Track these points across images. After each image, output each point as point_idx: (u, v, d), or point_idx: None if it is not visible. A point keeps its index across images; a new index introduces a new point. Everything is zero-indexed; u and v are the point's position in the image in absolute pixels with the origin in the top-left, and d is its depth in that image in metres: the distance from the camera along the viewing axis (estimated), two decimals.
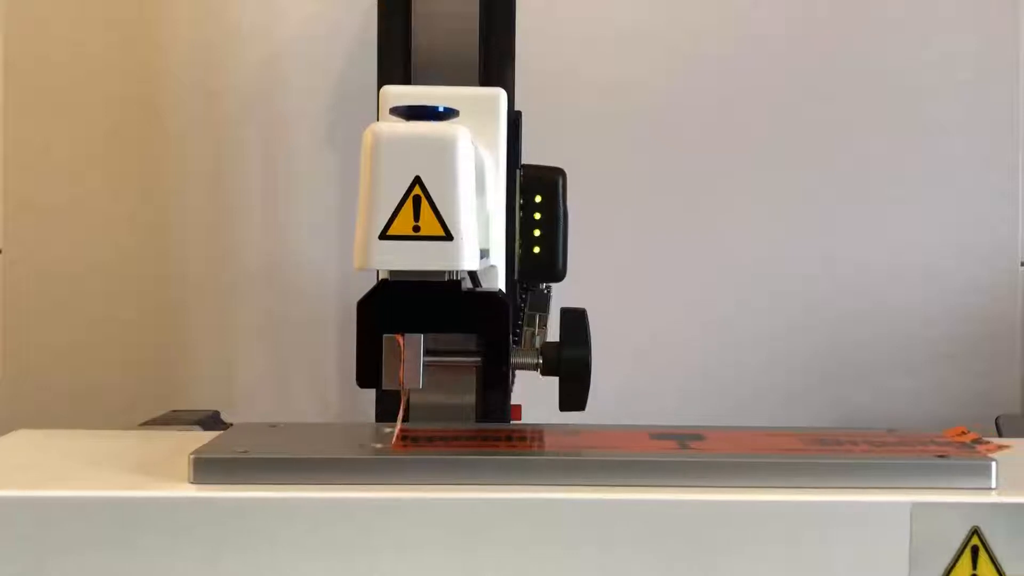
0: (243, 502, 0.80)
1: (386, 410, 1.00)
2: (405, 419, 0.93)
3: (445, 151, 0.84)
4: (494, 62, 1.11)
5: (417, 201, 0.84)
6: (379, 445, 0.88)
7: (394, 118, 0.86)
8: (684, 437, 0.92)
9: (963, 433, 0.93)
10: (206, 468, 0.83)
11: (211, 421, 1.15)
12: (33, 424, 1.11)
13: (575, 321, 1.03)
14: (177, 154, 1.44)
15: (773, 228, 1.47)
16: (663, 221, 1.47)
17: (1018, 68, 1.48)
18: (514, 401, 1.10)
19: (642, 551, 0.81)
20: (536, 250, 1.12)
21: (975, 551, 0.81)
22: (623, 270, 1.45)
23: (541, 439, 0.93)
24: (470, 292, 0.91)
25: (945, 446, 0.90)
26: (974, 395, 1.49)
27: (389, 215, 0.84)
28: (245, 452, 0.84)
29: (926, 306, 1.49)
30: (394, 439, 0.88)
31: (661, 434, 0.94)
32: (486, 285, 0.97)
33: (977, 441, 0.91)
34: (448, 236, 0.84)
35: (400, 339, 0.87)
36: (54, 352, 1.44)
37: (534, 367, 1.01)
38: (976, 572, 0.81)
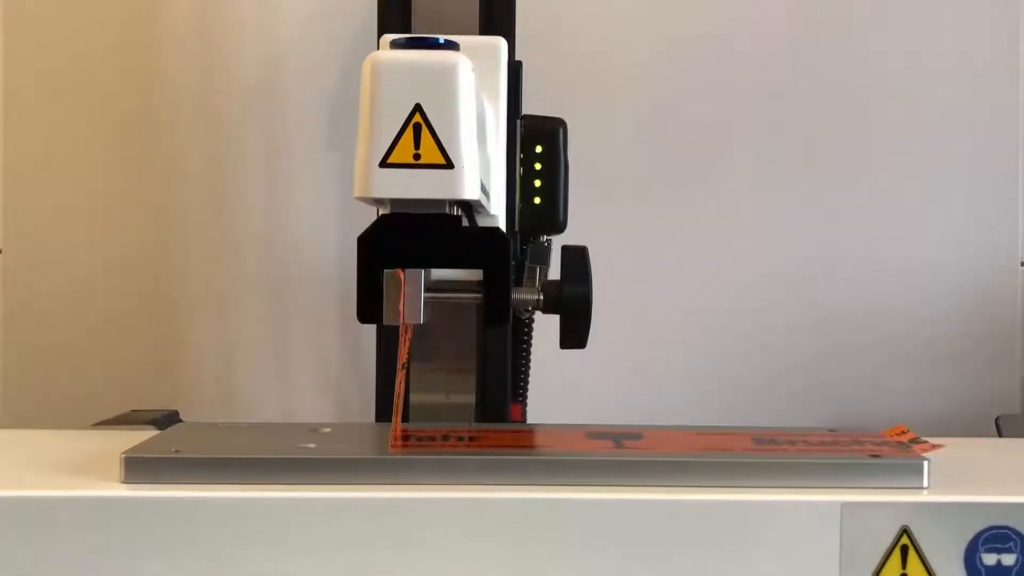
0: (171, 502, 0.81)
1: (386, 409, 1.00)
2: (405, 419, 0.96)
3: (445, 78, 0.84)
4: (495, 14, 1.11)
5: (417, 129, 0.84)
6: (312, 445, 0.88)
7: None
8: (621, 436, 0.93)
9: (902, 432, 0.93)
10: (137, 468, 0.83)
11: (168, 421, 1.15)
12: (33, 424, 1.14)
13: (576, 258, 1.03)
14: (177, 153, 1.45)
15: (771, 227, 1.47)
16: (659, 220, 1.47)
17: (1018, 68, 1.48)
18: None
19: (570, 551, 0.82)
20: (537, 201, 1.13)
21: (904, 550, 0.82)
22: (621, 269, 1.43)
23: (478, 438, 0.94)
24: (470, 227, 0.92)
25: (881, 446, 0.90)
26: (974, 395, 1.48)
27: (389, 143, 0.84)
28: (177, 452, 0.85)
29: (926, 306, 1.49)
30: (392, 439, 0.89)
31: (598, 433, 0.95)
32: None
33: (914, 440, 0.91)
34: (449, 164, 0.85)
35: (401, 274, 0.88)
36: (54, 352, 1.44)
37: (535, 303, 1.02)
38: (906, 571, 0.82)
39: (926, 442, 0.91)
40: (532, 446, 0.92)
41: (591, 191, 1.32)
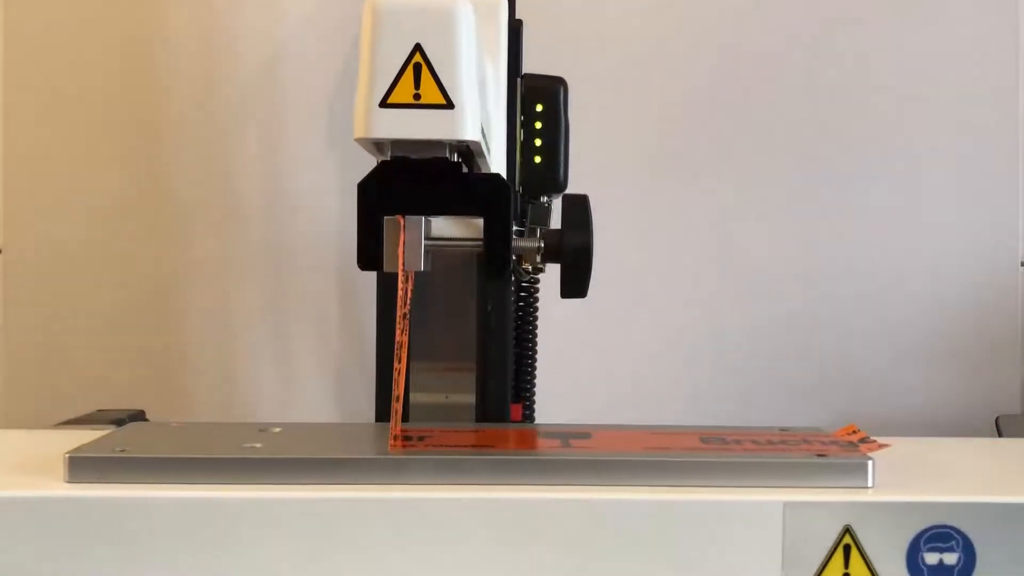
0: (113, 501, 0.81)
1: (385, 409, 0.99)
2: (405, 419, 0.96)
3: (446, 19, 0.84)
4: None
5: (417, 69, 0.85)
6: (258, 445, 0.88)
7: None
8: (569, 436, 0.93)
9: (853, 432, 0.93)
10: (80, 467, 0.83)
11: (133, 420, 1.15)
12: (33, 424, 1.16)
13: (577, 207, 1.02)
14: (177, 153, 1.45)
15: (772, 228, 1.48)
16: (662, 222, 1.48)
17: (1018, 68, 1.48)
18: None
19: (516, 550, 0.82)
20: (537, 160, 1.12)
21: (847, 549, 0.82)
22: (622, 269, 1.46)
23: (426, 437, 0.95)
24: (471, 173, 0.92)
25: (828, 445, 0.91)
26: (974, 395, 1.49)
27: (389, 84, 0.84)
28: (123, 451, 0.85)
29: (926, 306, 1.49)
30: (391, 439, 0.89)
31: (549, 432, 0.96)
32: None
33: (864, 440, 0.91)
34: (449, 104, 0.85)
35: (401, 220, 0.88)
36: (54, 351, 1.45)
37: (536, 251, 1.01)
38: (848, 570, 0.82)
39: (874, 441, 0.91)
40: (480, 446, 0.93)
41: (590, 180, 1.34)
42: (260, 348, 1.47)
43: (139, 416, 1.20)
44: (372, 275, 1.08)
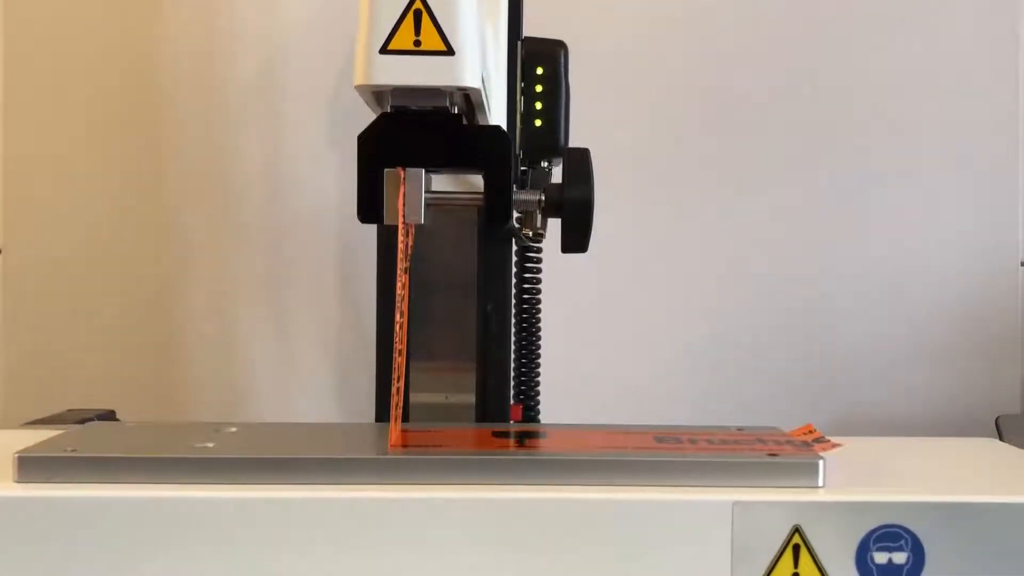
0: (62, 501, 0.81)
1: (385, 408, 1.00)
2: (405, 419, 0.96)
3: None
4: None
5: (418, 15, 0.85)
6: (210, 444, 0.88)
7: None
8: (524, 435, 0.94)
9: (809, 432, 0.94)
10: (29, 467, 0.83)
11: (103, 420, 1.16)
12: None
13: (578, 161, 1.02)
14: (177, 153, 1.45)
15: (772, 228, 1.48)
16: (661, 219, 1.49)
17: (1018, 68, 1.48)
18: None
19: (463, 550, 0.82)
20: (537, 123, 1.12)
21: (796, 549, 0.82)
22: (621, 269, 1.47)
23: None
24: (471, 125, 0.92)
25: (782, 445, 0.91)
26: (974, 395, 1.48)
27: (389, 30, 0.85)
28: (73, 451, 0.85)
29: (926, 306, 1.49)
30: (391, 439, 0.89)
31: (502, 432, 0.96)
32: None
33: (819, 440, 0.92)
34: (449, 51, 0.85)
35: (401, 172, 0.89)
36: (54, 351, 1.45)
37: (536, 204, 1.01)
38: (798, 570, 0.82)
39: (828, 441, 0.91)
40: (439, 446, 0.92)
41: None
42: (261, 348, 1.48)
43: (108, 416, 1.20)
44: (372, 275, 1.10)
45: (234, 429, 0.96)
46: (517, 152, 1.09)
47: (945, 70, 1.48)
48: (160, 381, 1.47)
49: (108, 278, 1.46)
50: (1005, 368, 1.49)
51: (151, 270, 1.47)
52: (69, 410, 1.24)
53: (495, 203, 0.93)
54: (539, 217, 1.03)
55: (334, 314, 1.48)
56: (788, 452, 0.88)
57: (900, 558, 0.83)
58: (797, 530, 0.83)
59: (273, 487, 0.83)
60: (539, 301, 1.18)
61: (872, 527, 0.83)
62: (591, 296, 1.47)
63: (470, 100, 0.92)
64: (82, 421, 1.13)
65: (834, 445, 0.91)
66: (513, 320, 1.15)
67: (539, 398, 1.20)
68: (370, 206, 0.90)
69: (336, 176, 1.46)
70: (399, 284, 0.88)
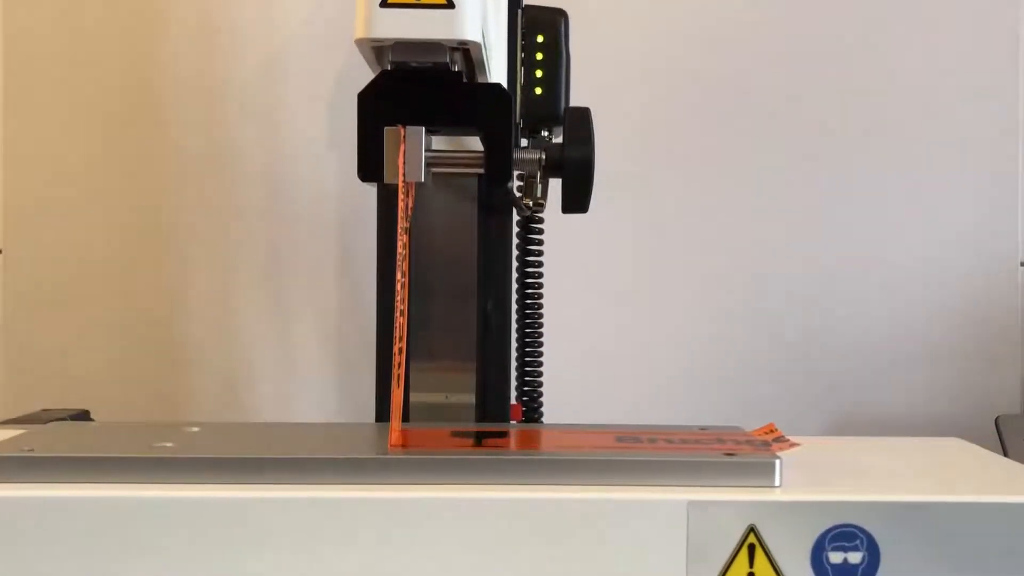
0: (13, 501, 0.81)
1: (385, 408, 1.01)
2: (405, 419, 0.96)
3: None
4: None
5: None
6: (169, 444, 0.88)
7: None
8: (485, 435, 0.95)
9: (771, 431, 0.94)
10: None
11: (73, 420, 1.15)
12: None
13: (579, 120, 1.01)
14: (177, 153, 1.46)
15: (771, 227, 1.48)
16: (659, 218, 1.49)
17: (1018, 68, 1.47)
18: None
19: (412, 549, 0.83)
20: (538, 91, 1.11)
21: (752, 549, 0.83)
22: (621, 269, 1.48)
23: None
24: (472, 83, 0.92)
25: (741, 444, 0.91)
26: (974, 395, 1.48)
27: None
28: (31, 451, 0.85)
29: (926, 306, 1.49)
30: (391, 439, 0.89)
31: (462, 432, 0.96)
32: None
33: (778, 439, 0.92)
34: (449, 4, 0.86)
35: (402, 130, 0.89)
36: (54, 351, 1.46)
37: (536, 163, 1.01)
38: (753, 570, 0.82)
39: (787, 441, 0.91)
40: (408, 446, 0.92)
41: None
42: (261, 348, 1.48)
43: (82, 416, 1.19)
44: (372, 276, 1.11)
45: (196, 429, 0.96)
46: (517, 121, 1.09)
47: (945, 70, 1.48)
48: (160, 381, 1.47)
49: (108, 278, 1.46)
50: (1005, 368, 1.49)
51: (151, 270, 1.47)
52: (44, 410, 1.24)
53: (495, 161, 0.93)
54: (539, 187, 1.03)
55: (334, 314, 1.48)
56: (745, 452, 0.88)
57: (855, 558, 0.83)
58: (752, 530, 0.83)
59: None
60: (541, 286, 1.18)
61: (827, 527, 0.83)
62: (592, 297, 1.47)
63: (470, 59, 0.92)
64: (55, 420, 1.13)
65: (792, 445, 0.90)
66: (515, 310, 1.16)
67: (541, 391, 1.20)
68: (370, 164, 0.91)
69: (336, 175, 1.47)
70: (400, 244, 0.88)
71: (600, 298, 1.47)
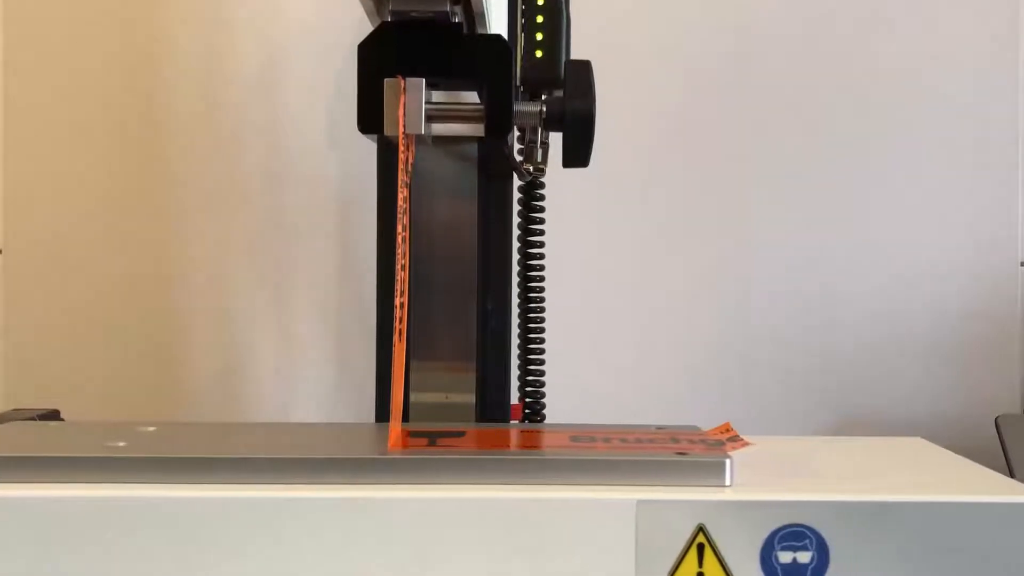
0: None
1: (384, 408, 1.00)
2: (405, 419, 0.96)
3: None
4: None
5: None
6: (121, 444, 0.88)
7: None
8: (440, 435, 0.94)
9: (726, 431, 0.94)
10: None
11: (46, 420, 1.16)
12: None
13: (580, 73, 1.00)
14: (178, 153, 1.46)
15: (771, 228, 1.49)
16: (660, 218, 1.49)
17: (1018, 67, 1.47)
18: None
19: (361, 549, 0.83)
20: (538, 54, 1.10)
21: (701, 548, 0.83)
22: (621, 270, 1.48)
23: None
24: (472, 34, 0.92)
25: (695, 444, 0.91)
26: (974, 395, 1.48)
27: None
28: None
29: (926, 306, 1.49)
30: (391, 439, 0.89)
31: (418, 432, 0.96)
32: None
33: (733, 439, 0.92)
34: None
35: (402, 81, 0.89)
36: (54, 351, 1.46)
37: (537, 115, 1.00)
38: (702, 569, 0.83)
39: (740, 440, 0.91)
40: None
41: (587, 190, 1.38)
42: (261, 347, 1.49)
43: (52, 415, 1.19)
44: (372, 277, 1.11)
45: (153, 428, 0.96)
46: (518, 84, 1.08)
47: (945, 70, 1.48)
48: (160, 380, 1.48)
49: (108, 278, 1.47)
50: (1005, 368, 1.48)
51: (151, 270, 1.47)
52: (15, 409, 1.24)
53: (496, 112, 0.93)
54: (539, 151, 1.03)
55: (335, 314, 1.49)
56: (697, 451, 0.88)
57: (804, 557, 0.83)
58: (701, 529, 0.83)
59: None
60: (543, 280, 1.17)
61: (776, 526, 0.83)
62: (591, 297, 1.48)
63: (470, 10, 0.92)
64: (26, 420, 1.14)
65: (745, 444, 0.91)
66: (517, 304, 1.16)
67: (543, 386, 1.20)
68: (370, 116, 0.91)
69: (336, 175, 1.48)
70: (400, 197, 0.89)
71: (600, 298, 1.47)
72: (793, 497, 0.84)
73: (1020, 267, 1.46)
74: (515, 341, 1.15)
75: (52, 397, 1.39)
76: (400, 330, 0.89)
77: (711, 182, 1.48)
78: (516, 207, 1.13)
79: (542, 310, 1.17)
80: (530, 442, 0.93)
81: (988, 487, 0.89)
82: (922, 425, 1.45)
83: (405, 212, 0.89)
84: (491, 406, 1.11)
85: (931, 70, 1.48)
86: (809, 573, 0.84)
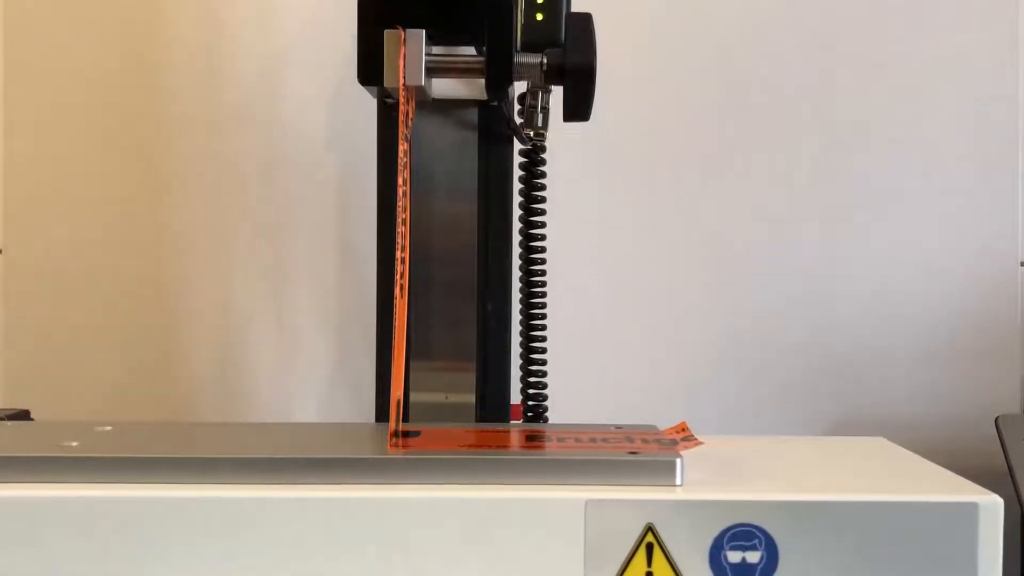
0: None
1: (384, 407, 1.02)
2: (405, 419, 0.96)
3: None
4: None
5: None
6: (75, 443, 0.89)
7: None
8: (395, 434, 0.93)
9: (682, 430, 0.94)
10: None
11: (12, 420, 1.15)
12: None
13: (581, 26, 1.00)
14: (177, 153, 1.46)
15: (771, 228, 1.49)
16: (660, 218, 1.49)
17: (1018, 67, 1.47)
18: None
19: (310, 548, 0.84)
20: (539, 17, 1.08)
21: (650, 548, 0.83)
22: (621, 269, 1.48)
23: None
24: None
25: (649, 443, 0.91)
26: (974, 395, 1.48)
27: None
28: None
29: (926, 306, 1.49)
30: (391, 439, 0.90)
31: (378, 432, 0.96)
32: None
33: (687, 438, 0.92)
34: None
35: (402, 32, 0.89)
36: (54, 350, 1.46)
37: (538, 67, 0.99)
38: (651, 569, 0.83)
39: (694, 439, 0.91)
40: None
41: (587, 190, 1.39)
42: (262, 348, 1.49)
43: (22, 415, 1.19)
44: (373, 278, 1.12)
45: (109, 428, 0.97)
46: (518, 47, 1.07)
47: (945, 70, 1.48)
48: (160, 380, 1.48)
49: (108, 278, 1.47)
50: (1005, 368, 1.48)
51: (151, 270, 1.48)
52: None
53: (496, 64, 0.93)
54: (539, 117, 1.02)
55: (335, 314, 1.49)
56: (649, 451, 0.88)
57: (753, 557, 0.84)
58: (651, 529, 0.83)
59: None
60: (544, 273, 1.17)
61: (725, 526, 0.84)
62: (592, 297, 1.49)
63: None
64: None
65: (698, 443, 0.91)
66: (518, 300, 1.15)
67: (545, 388, 1.20)
68: (370, 67, 0.91)
69: (336, 174, 1.48)
70: (400, 151, 0.89)
71: (601, 298, 1.48)
72: (742, 497, 0.84)
73: (1020, 267, 1.45)
74: (516, 340, 1.15)
75: (51, 396, 1.41)
76: (402, 285, 0.89)
77: (710, 183, 1.49)
78: (516, 211, 1.13)
79: (543, 305, 1.17)
80: (484, 442, 0.93)
81: (938, 487, 0.90)
82: (922, 425, 1.45)
83: (406, 166, 0.89)
84: (491, 406, 1.11)
85: (931, 70, 1.47)
86: (758, 573, 0.84)
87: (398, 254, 0.89)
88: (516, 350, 1.15)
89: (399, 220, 0.88)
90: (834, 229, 1.48)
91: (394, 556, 0.83)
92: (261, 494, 0.83)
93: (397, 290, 0.88)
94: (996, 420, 1.32)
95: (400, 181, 0.88)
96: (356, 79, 1.00)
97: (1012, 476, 1.26)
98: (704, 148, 1.48)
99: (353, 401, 1.47)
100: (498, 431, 0.98)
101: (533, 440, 0.92)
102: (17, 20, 1.46)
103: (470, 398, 1.10)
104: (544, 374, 1.17)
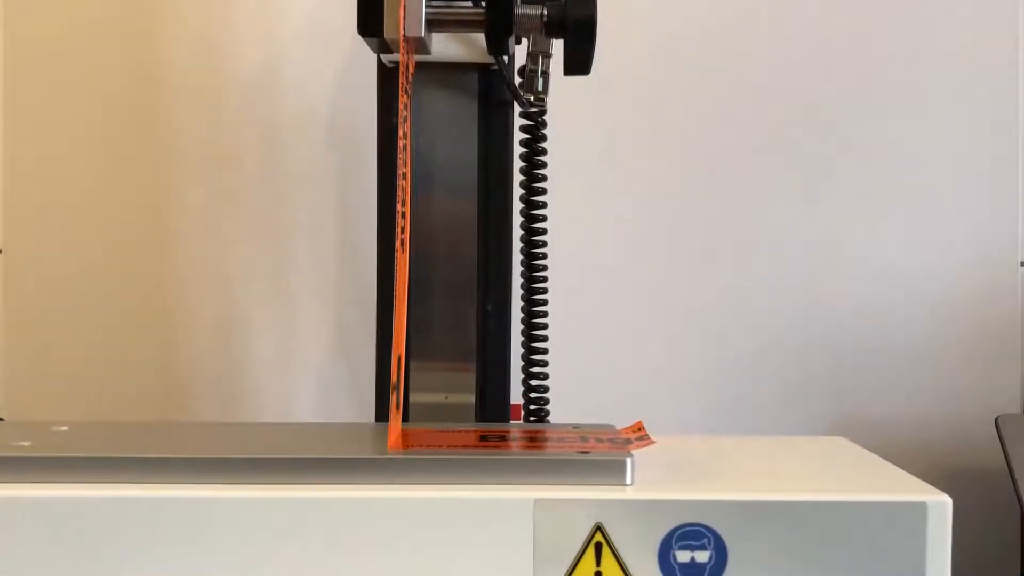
0: None
1: (384, 407, 1.02)
2: (406, 419, 0.97)
3: None
4: None
5: None
6: (26, 443, 0.89)
7: None
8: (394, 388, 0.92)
9: (637, 429, 0.94)
10: None
11: None
12: None
13: None
14: (178, 153, 1.46)
15: (772, 229, 1.48)
16: (660, 218, 1.49)
17: (1018, 67, 1.46)
18: None
19: (262, 547, 0.84)
20: None
21: (599, 548, 0.83)
22: (621, 269, 1.48)
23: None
24: None
25: (602, 443, 0.91)
26: (974, 395, 1.47)
27: None
28: None
29: (926, 306, 1.48)
30: (391, 439, 0.90)
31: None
32: None
33: (641, 438, 0.91)
34: None
35: None
36: (54, 351, 1.47)
37: (538, 19, 0.97)
38: (600, 569, 0.83)
39: (647, 439, 0.91)
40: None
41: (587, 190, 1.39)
42: (262, 347, 1.49)
43: None
44: (373, 278, 1.13)
45: (65, 428, 0.97)
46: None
47: (945, 70, 1.47)
48: (160, 379, 1.48)
49: (108, 278, 1.47)
50: (1005, 368, 1.47)
51: (151, 270, 1.48)
52: None
53: (496, 14, 0.92)
54: (540, 80, 1.01)
55: (335, 314, 1.49)
56: (600, 450, 0.88)
57: (702, 556, 0.83)
58: (599, 528, 0.83)
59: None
60: (545, 269, 1.17)
61: (674, 525, 0.83)
62: (591, 297, 1.49)
63: None
64: None
65: (651, 443, 0.90)
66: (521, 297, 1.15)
67: (547, 391, 1.19)
68: (370, 18, 0.91)
69: (337, 174, 1.48)
70: (401, 105, 0.89)
71: (600, 298, 1.48)
72: (691, 496, 0.84)
73: (1020, 267, 1.44)
74: (517, 339, 1.15)
75: (51, 396, 1.42)
76: (403, 240, 0.89)
77: (709, 184, 1.48)
78: (517, 214, 1.13)
79: (544, 303, 1.17)
80: (435, 441, 0.92)
81: (889, 486, 0.89)
82: (922, 425, 1.45)
83: (406, 119, 0.89)
84: (490, 406, 1.11)
85: (931, 70, 1.47)
86: (707, 572, 0.84)
87: (398, 208, 0.88)
88: (517, 350, 1.15)
89: (399, 175, 0.88)
90: (834, 229, 1.48)
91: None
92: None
93: (398, 243, 0.88)
94: (996, 420, 1.31)
95: (400, 134, 0.88)
96: (356, 79, 0.99)
97: (1012, 476, 1.25)
98: (704, 148, 1.48)
99: (353, 401, 1.47)
100: (456, 431, 0.97)
101: (486, 440, 0.92)
102: (17, 21, 1.47)
103: (470, 398, 1.10)
104: (546, 376, 1.17)
